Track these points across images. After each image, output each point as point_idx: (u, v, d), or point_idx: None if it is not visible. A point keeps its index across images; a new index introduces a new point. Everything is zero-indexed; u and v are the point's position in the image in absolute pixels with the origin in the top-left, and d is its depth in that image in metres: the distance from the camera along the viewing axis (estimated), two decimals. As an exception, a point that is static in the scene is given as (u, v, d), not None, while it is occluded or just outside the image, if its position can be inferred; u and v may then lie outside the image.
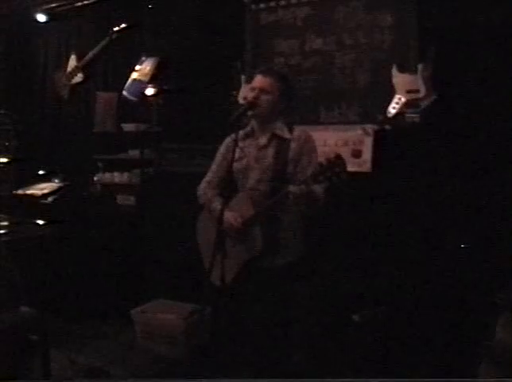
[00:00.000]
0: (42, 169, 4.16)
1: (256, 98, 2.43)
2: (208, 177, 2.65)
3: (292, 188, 2.25)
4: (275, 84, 2.46)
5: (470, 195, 2.95)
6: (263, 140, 2.51)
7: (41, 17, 4.70)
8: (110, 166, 4.35)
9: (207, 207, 2.59)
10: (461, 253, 2.93)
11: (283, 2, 3.71)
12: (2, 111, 4.54)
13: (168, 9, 4.19)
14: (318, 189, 2.30)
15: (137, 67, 3.98)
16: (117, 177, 4.26)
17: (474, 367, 2.19)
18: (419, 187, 3.10)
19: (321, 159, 2.21)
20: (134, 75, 3.97)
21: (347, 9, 3.45)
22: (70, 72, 4.17)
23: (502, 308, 2.22)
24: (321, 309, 2.98)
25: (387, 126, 3.22)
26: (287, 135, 2.49)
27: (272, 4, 3.75)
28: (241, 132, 2.49)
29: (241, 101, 3.65)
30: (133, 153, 4.20)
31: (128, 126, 4.25)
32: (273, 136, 2.49)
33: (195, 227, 2.66)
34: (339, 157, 2.15)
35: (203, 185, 2.65)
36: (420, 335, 2.88)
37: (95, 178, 4.31)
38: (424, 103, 3.01)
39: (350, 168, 2.19)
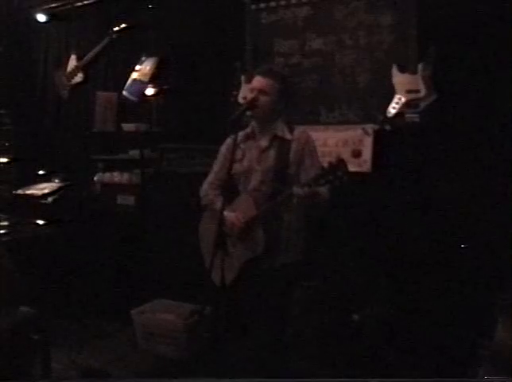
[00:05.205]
0: (42, 169, 4.16)
1: (255, 99, 2.42)
2: (210, 178, 2.65)
3: (295, 189, 2.24)
4: (274, 85, 2.45)
5: (470, 195, 2.95)
6: (264, 142, 2.50)
7: (41, 17, 4.69)
8: (110, 166, 4.34)
9: (210, 208, 2.58)
10: (461, 253, 2.93)
11: (283, 2, 3.71)
12: (2, 111, 4.55)
13: (168, 8, 4.18)
14: (322, 189, 2.29)
15: (137, 67, 3.97)
16: (117, 177, 4.25)
17: (474, 367, 2.19)
18: (419, 187, 3.10)
19: (323, 162, 2.21)
20: (134, 75, 3.97)
21: (347, 9, 3.45)
22: (70, 72, 4.16)
23: (503, 308, 2.22)
24: (321, 309, 2.98)
25: (387, 126, 3.22)
26: (288, 136, 2.48)
27: (272, 4, 3.75)
28: (241, 133, 2.49)
29: (241, 101, 3.65)
30: (133, 153, 4.20)
31: (128, 126, 4.24)
32: (275, 137, 2.49)
33: (198, 228, 2.65)
34: (341, 160, 2.14)
35: (205, 186, 2.65)
36: (421, 335, 2.88)
37: (95, 178, 4.31)
38: (424, 103, 3.00)
39: (350, 168, 2.18)
